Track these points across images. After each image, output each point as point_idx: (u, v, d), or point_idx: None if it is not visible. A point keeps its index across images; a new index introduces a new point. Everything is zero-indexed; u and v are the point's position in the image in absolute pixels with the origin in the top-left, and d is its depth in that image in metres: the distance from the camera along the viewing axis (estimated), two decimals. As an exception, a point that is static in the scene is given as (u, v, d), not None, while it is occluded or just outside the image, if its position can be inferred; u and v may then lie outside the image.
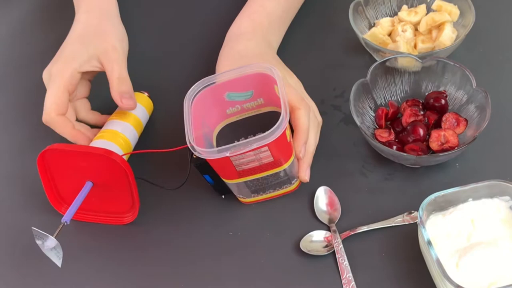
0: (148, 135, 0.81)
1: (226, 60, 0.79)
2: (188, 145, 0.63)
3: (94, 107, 0.82)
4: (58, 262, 0.65)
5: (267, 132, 0.62)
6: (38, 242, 0.64)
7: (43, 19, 1.03)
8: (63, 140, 0.76)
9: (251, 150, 0.63)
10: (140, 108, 0.80)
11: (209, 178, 0.70)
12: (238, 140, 0.74)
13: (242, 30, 0.82)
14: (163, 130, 0.82)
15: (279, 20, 0.86)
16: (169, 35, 0.95)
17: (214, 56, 0.81)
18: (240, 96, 0.70)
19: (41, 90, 0.86)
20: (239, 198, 0.73)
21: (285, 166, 0.68)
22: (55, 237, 0.64)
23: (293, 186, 0.73)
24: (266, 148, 0.64)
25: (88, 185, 0.69)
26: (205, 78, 0.68)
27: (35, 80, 0.92)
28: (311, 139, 0.72)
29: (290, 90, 0.69)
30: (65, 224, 0.66)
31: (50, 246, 0.64)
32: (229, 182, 0.69)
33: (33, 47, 0.98)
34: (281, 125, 0.63)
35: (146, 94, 0.82)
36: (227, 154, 0.63)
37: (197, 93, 0.68)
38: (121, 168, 0.67)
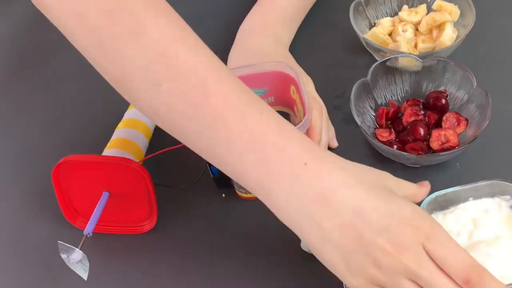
0: (157, 139, 0.80)
1: (238, 57, 0.80)
2: None
3: (100, 110, 0.81)
4: (84, 275, 0.63)
5: None
6: (63, 256, 0.63)
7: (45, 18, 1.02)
8: (67, 145, 0.75)
9: None
10: None
11: (215, 170, 0.70)
12: None
13: (252, 27, 0.83)
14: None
15: (290, 17, 0.86)
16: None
17: (226, 53, 0.82)
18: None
19: (42, 91, 0.86)
20: (239, 193, 0.73)
21: None
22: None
23: None
24: None
25: (105, 195, 0.68)
26: None
27: (37, 80, 0.92)
28: (323, 139, 0.72)
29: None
30: (88, 236, 0.65)
31: (76, 259, 0.63)
32: None
33: (34, 47, 0.98)
34: (305, 124, 0.63)
35: None
36: None
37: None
38: (139, 176, 0.66)
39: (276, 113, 0.56)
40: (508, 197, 0.63)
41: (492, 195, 0.64)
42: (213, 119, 0.54)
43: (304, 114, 0.64)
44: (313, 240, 0.54)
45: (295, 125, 0.70)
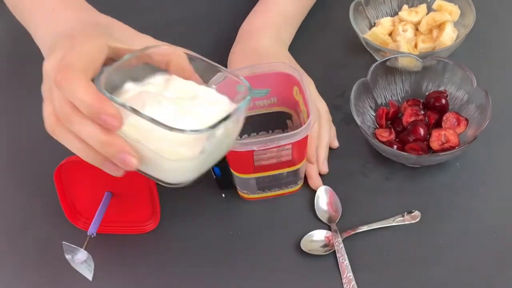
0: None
1: (239, 57, 0.80)
2: None
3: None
4: (89, 276, 0.64)
5: (296, 131, 0.63)
6: (68, 256, 0.63)
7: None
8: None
9: (276, 147, 0.63)
10: None
11: (218, 171, 0.70)
12: (241, 137, 0.74)
13: (255, 27, 0.83)
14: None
15: (291, 18, 0.86)
16: (179, 31, 0.95)
17: (226, 53, 0.82)
18: (256, 93, 0.71)
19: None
20: (242, 194, 0.73)
21: (298, 166, 0.69)
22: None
23: (297, 186, 0.73)
24: (290, 146, 0.64)
25: (107, 196, 0.68)
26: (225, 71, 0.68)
27: (37, 80, 0.92)
28: (324, 138, 0.73)
29: None
30: (92, 236, 0.65)
31: (81, 260, 0.63)
32: (241, 176, 0.69)
33: (35, 46, 0.98)
34: (310, 126, 0.63)
35: None
36: (254, 148, 0.63)
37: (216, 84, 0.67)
38: (142, 176, 0.66)
39: None
40: (226, 99, 0.54)
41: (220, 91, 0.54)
42: None
43: (308, 115, 0.64)
44: None
45: (297, 125, 0.70)
